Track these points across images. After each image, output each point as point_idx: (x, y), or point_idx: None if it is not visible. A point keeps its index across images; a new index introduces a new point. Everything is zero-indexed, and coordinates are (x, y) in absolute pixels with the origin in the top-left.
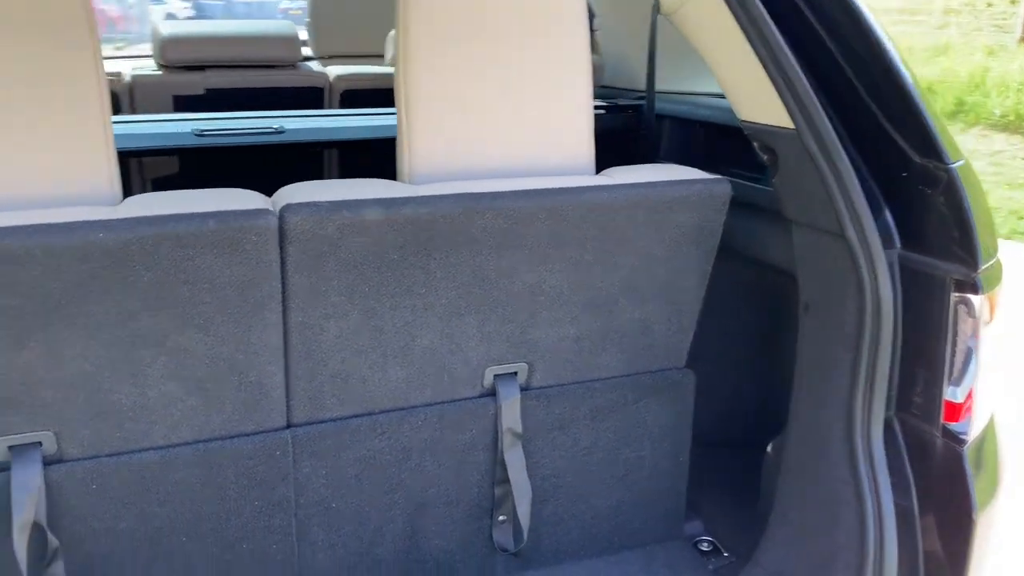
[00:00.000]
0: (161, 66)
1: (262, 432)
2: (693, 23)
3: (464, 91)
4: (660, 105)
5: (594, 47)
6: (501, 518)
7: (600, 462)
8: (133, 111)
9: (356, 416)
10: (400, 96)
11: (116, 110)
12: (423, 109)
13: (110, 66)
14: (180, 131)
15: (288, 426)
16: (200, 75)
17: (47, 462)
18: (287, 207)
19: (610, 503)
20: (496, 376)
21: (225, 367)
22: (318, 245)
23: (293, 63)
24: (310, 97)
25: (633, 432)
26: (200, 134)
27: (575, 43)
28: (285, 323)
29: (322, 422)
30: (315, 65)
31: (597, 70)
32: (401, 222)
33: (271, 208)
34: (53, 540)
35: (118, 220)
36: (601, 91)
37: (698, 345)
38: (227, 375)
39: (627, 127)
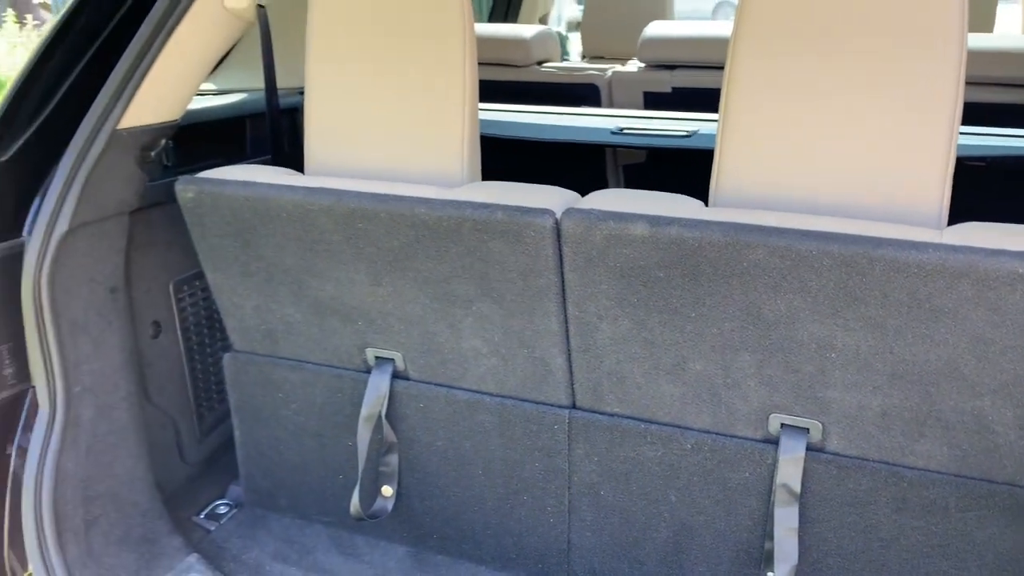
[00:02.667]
0: (644, 64)
1: (547, 404)
2: None
3: (791, 110)
4: None
5: None
6: (769, 575)
7: (901, 564)
8: (611, 103)
9: (631, 418)
10: (722, 107)
11: (597, 101)
12: (741, 125)
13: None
14: (602, 127)
15: (571, 407)
16: (669, 74)
17: (395, 376)
18: (566, 212)
19: None
20: (783, 426)
21: (516, 339)
22: (588, 250)
23: None
24: None
25: (954, 545)
26: (617, 132)
27: (946, 60)
28: (564, 314)
29: (600, 413)
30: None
31: None
32: (665, 241)
33: (557, 210)
34: (391, 434)
35: (436, 200)
36: None
37: None
38: (518, 346)
39: None
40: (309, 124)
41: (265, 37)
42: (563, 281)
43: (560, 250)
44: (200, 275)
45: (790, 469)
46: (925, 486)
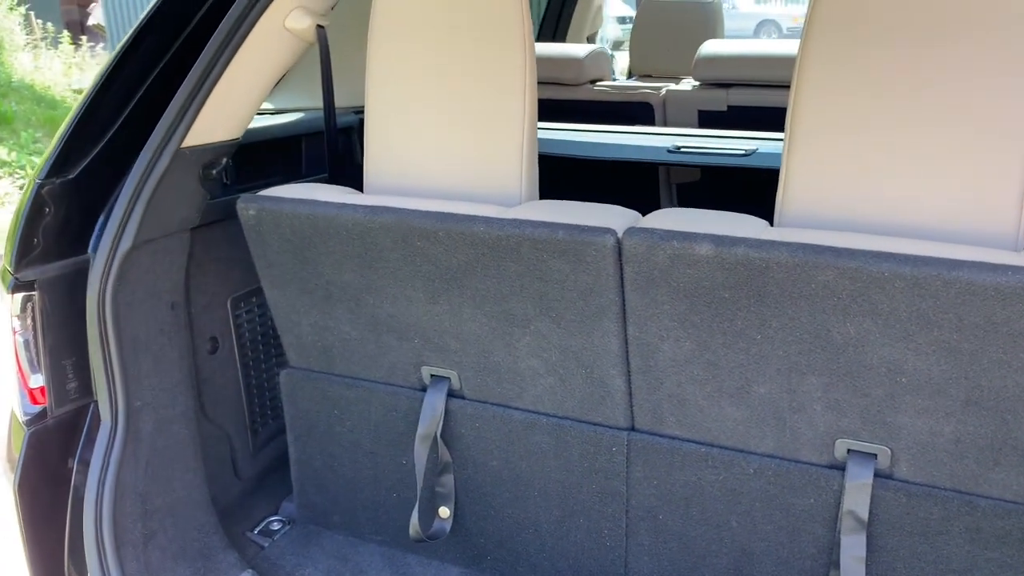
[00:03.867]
0: (698, 82)
1: (605, 426)
2: None
3: (860, 129)
4: None
5: None
6: None
7: None
8: (664, 122)
9: (692, 442)
10: (788, 126)
11: (650, 120)
12: (808, 140)
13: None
14: (659, 145)
15: (630, 429)
16: (724, 92)
17: (451, 394)
18: (629, 231)
19: None
20: (850, 451)
21: (574, 359)
22: (650, 269)
23: None
24: None
25: None
26: (673, 151)
27: (1019, 77)
28: (624, 334)
29: (660, 436)
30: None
31: None
32: (731, 262)
33: (618, 229)
34: (446, 453)
35: (495, 219)
36: None
37: None
38: (576, 367)
39: None
40: (368, 143)
41: (325, 57)
42: (623, 301)
43: (621, 270)
44: (256, 292)
45: (857, 495)
46: (1000, 516)
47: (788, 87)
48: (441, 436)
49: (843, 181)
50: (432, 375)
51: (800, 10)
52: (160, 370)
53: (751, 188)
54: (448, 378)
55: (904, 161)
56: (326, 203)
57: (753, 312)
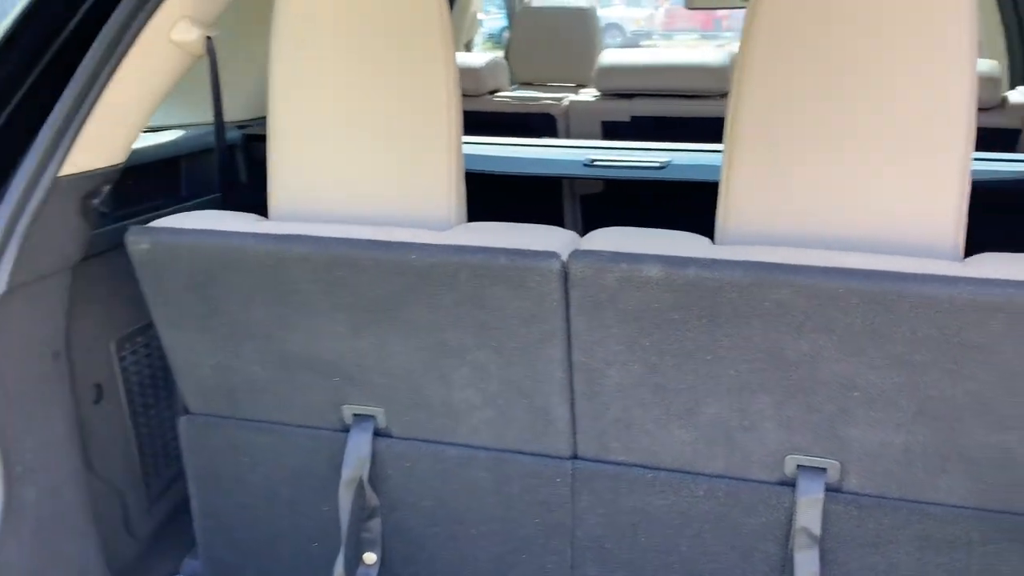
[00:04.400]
0: (599, 93)
1: (547, 456)
2: None
3: (800, 143)
4: None
5: None
6: None
7: None
8: (567, 133)
9: (639, 466)
10: (727, 140)
11: (553, 132)
12: (748, 155)
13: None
14: (575, 159)
15: (573, 457)
16: (628, 103)
17: (377, 433)
18: (573, 253)
19: None
20: (800, 467)
21: (515, 388)
22: (597, 293)
23: (723, 93)
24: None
25: None
26: (589, 164)
27: (960, 76)
28: (569, 361)
29: (605, 462)
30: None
31: None
32: (681, 283)
33: (561, 252)
34: (373, 498)
35: (429, 245)
36: None
37: None
38: (517, 396)
39: None
40: (273, 164)
41: (214, 71)
42: (568, 326)
43: (566, 294)
44: (143, 331)
45: (809, 511)
46: (947, 522)
47: (691, 97)
48: (368, 479)
49: (784, 196)
50: (355, 414)
51: (642, 13)
52: (43, 428)
53: (659, 200)
54: (373, 416)
55: (845, 174)
56: (233, 233)
57: (704, 333)
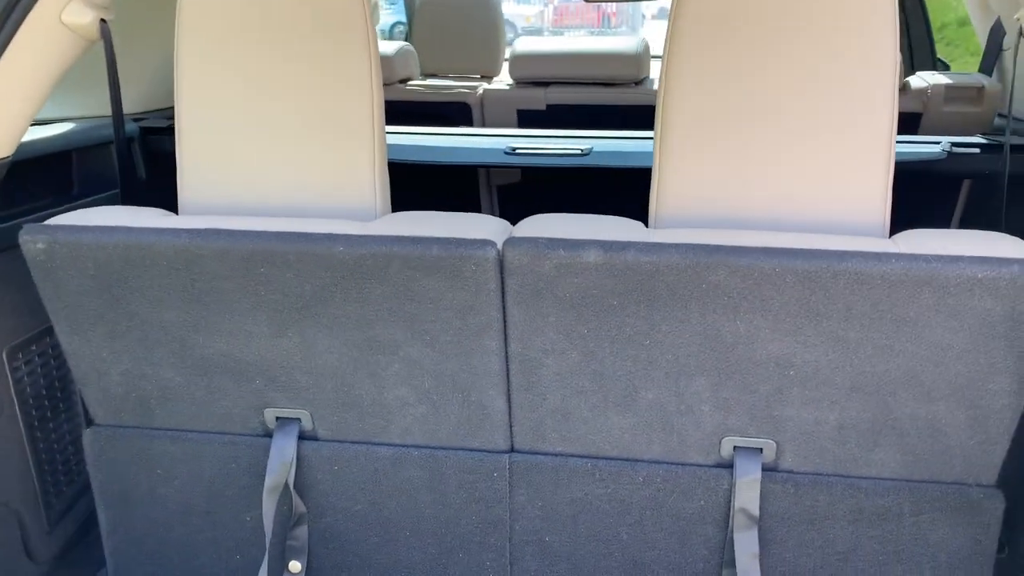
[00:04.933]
0: (513, 81)
1: (483, 451)
2: None
3: (730, 126)
4: None
5: (1001, 71)
6: None
7: (859, 574)
8: (483, 122)
9: (577, 456)
10: (657, 126)
11: (469, 120)
12: (678, 140)
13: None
14: (495, 147)
15: (510, 451)
16: (543, 91)
17: (302, 436)
18: (509, 240)
19: None
20: (736, 448)
21: (450, 383)
22: (535, 281)
23: (637, 81)
24: (650, 116)
25: (909, 550)
26: (510, 152)
27: (883, 58)
28: (506, 352)
29: (542, 454)
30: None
31: (992, 97)
32: (620, 267)
33: (496, 240)
34: (300, 505)
35: (358, 236)
36: (1000, 122)
37: (1019, 463)
38: (451, 391)
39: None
40: (183, 156)
41: (110, 57)
42: (504, 317)
43: (503, 284)
44: (39, 338)
45: (747, 492)
46: (879, 494)
47: (607, 84)
48: (293, 484)
49: (716, 179)
50: (278, 417)
51: (531, 10)
52: None
53: (578, 188)
54: (298, 419)
55: (774, 157)
56: (140, 230)
57: (642, 317)
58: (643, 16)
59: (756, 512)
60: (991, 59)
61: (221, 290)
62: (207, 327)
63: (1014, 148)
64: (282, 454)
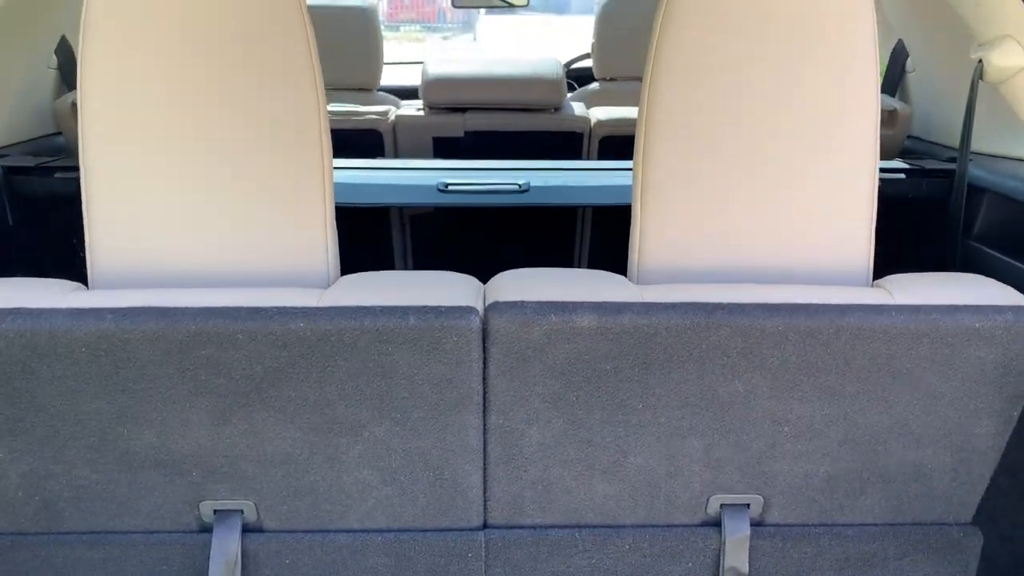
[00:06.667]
0: (427, 107)
1: (455, 530)
2: None
3: (709, 167)
4: (979, 173)
5: (904, 92)
6: None
7: None
8: (395, 151)
9: (557, 527)
10: (638, 172)
11: (379, 150)
12: (659, 192)
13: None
14: (426, 184)
15: (484, 527)
16: (460, 117)
17: (246, 529)
18: (493, 306)
19: None
20: (723, 506)
21: (420, 462)
22: (522, 349)
23: (557, 107)
24: (569, 142)
25: None
26: (444, 189)
27: (866, 104)
28: (484, 425)
29: (520, 527)
30: (578, 108)
31: (904, 119)
32: (616, 331)
33: (476, 305)
34: None
35: (319, 309)
36: (909, 143)
37: (993, 500)
38: (422, 470)
39: (932, 197)
40: (92, 217)
41: None
42: (485, 388)
43: (485, 353)
44: None
45: (737, 550)
46: (865, 540)
47: (526, 111)
48: None
49: (699, 231)
50: (217, 510)
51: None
52: None
53: (502, 219)
54: (240, 510)
55: (757, 206)
56: (51, 312)
57: (636, 381)
58: (478, 13)
59: (746, 570)
60: (893, 81)
61: (153, 376)
62: (133, 418)
63: (932, 172)
64: (224, 551)
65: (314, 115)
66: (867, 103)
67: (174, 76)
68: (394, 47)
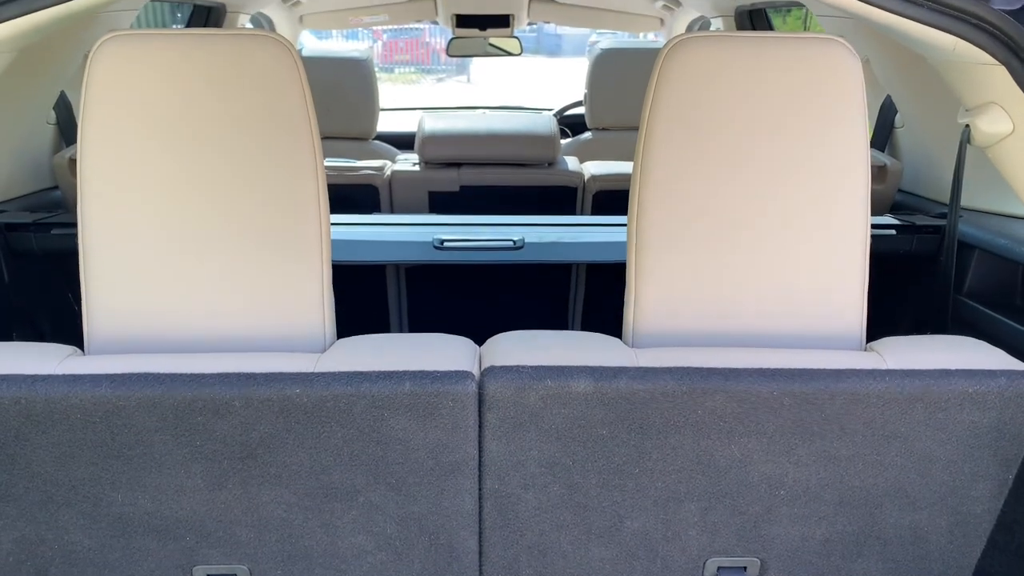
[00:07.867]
0: (423, 162)
1: None
2: (1014, 163)
3: (708, 234)
4: (969, 231)
5: (894, 147)
6: None
7: None
8: (391, 205)
9: None
10: (633, 235)
11: (375, 205)
12: (654, 255)
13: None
14: (423, 240)
15: None
16: (456, 172)
17: None
18: (489, 371)
19: None
20: (720, 569)
21: (416, 527)
22: (518, 414)
23: (550, 162)
24: (563, 196)
25: None
26: (440, 247)
27: (856, 162)
28: (480, 489)
29: None
30: (571, 162)
31: (894, 175)
32: (612, 396)
33: (472, 369)
34: None
35: (315, 375)
36: (899, 198)
37: (990, 557)
38: (417, 535)
39: (922, 253)
40: (90, 274)
41: None
42: (481, 452)
43: (481, 418)
44: None
45: None
46: None
47: (521, 165)
48: None
49: (693, 294)
50: (210, 575)
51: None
52: None
53: (497, 271)
54: (234, 575)
55: (751, 270)
56: (46, 379)
57: (632, 446)
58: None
59: None
60: (883, 136)
61: (148, 443)
62: (127, 484)
63: (922, 228)
64: None
65: (311, 180)
66: (857, 161)
67: (172, 136)
68: (389, 88)
